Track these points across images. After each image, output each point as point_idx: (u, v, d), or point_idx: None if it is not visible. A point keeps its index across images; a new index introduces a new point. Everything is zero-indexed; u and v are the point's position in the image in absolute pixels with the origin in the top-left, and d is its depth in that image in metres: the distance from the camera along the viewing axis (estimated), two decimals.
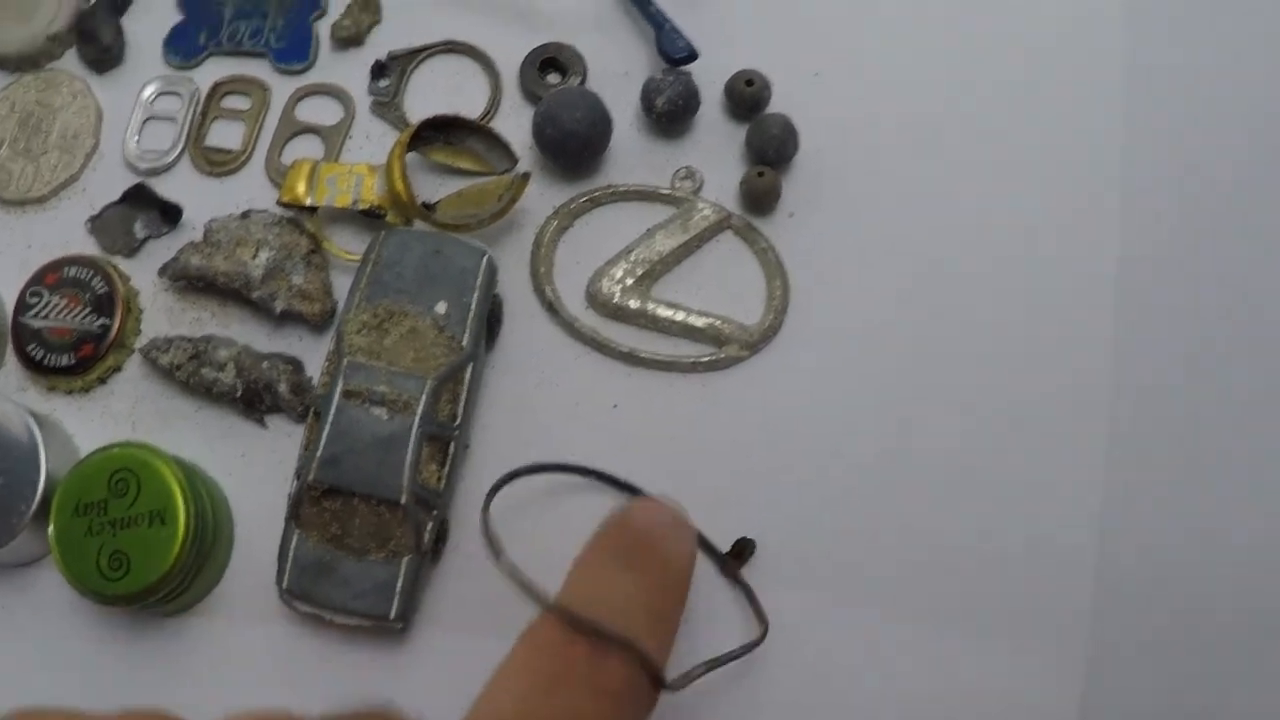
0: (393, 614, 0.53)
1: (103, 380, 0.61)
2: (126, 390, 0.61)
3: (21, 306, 0.61)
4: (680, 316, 0.61)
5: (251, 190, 0.64)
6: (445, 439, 0.55)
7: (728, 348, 0.60)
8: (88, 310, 0.61)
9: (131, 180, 0.65)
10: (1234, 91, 0.64)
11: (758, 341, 0.60)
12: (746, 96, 0.63)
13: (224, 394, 0.59)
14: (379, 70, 0.66)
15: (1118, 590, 0.55)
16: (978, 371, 0.59)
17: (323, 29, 0.67)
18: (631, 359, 0.60)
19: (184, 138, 0.65)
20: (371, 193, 0.61)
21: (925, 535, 0.57)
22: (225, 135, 0.66)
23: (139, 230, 0.63)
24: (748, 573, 0.56)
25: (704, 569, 0.56)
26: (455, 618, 0.56)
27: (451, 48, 0.67)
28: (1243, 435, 0.58)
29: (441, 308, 0.56)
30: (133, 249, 0.63)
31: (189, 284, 0.62)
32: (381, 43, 0.67)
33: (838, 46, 0.66)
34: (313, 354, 0.61)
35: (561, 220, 0.62)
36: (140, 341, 0.61)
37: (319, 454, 0.53)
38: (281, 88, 0.66)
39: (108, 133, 0.66)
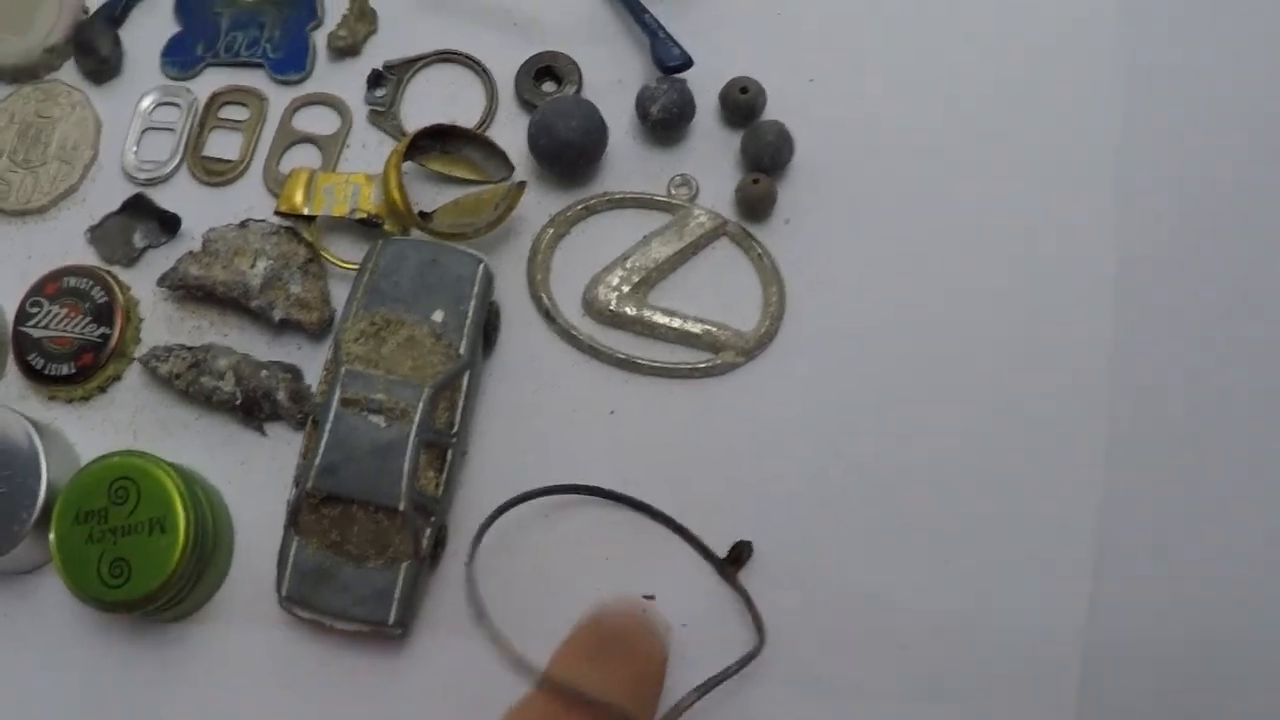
0: (391, 620, 0.54)
1: (103, 389, 0.61)
2: (126, 399, 0.62)
3: (22, 316, 0.61)
4: (676, 323, 0.61)
5: (249, 200, 0.65)
6: (443, 446, 0.56)
7: (724, 354, 0.60)
8: (88, 320, 0.61)
9: (130, 190, 0.65)
10: (1232, 91, 0.64)
11: (754, 348, 0.60)
12: (741, 104, 0.63)
13: (223, 402, 0.59)
14: (375, 80, 0.66)
15: (1116, 588, 0.56)
16: (975, 375, 0.60)
17: (319, 39, 0.68)
18: (628, 366, 0.60)
19: (182, 148, 0.66)
20: (368, 202, 0.61)
21: (922, 539, 0.57)
22: (223, 145, 0.66)
23: (138, 240, 0.64)
24: (745, 578, 0.56)
25: (701, 574, 0.56)
26: (454, 623, 0.56)
27: (447, 57, 0.67)
28: (1242, 435, 0.58)
29: (439, 316, 0.57)
30: (132, 259, 0.64)
31: (188, 293, 0.62)
32: (378, 53, 0.67)
33: (832, 53, 0.66)
34: (311, 362, 0.61)
35: (558, 228, 0.63)
36: (140, 350, 0.62)
37: (317, 461, 0.53)
38: (279, 98, 0.67)
39: (106, 143, 0.67)
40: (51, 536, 0.54)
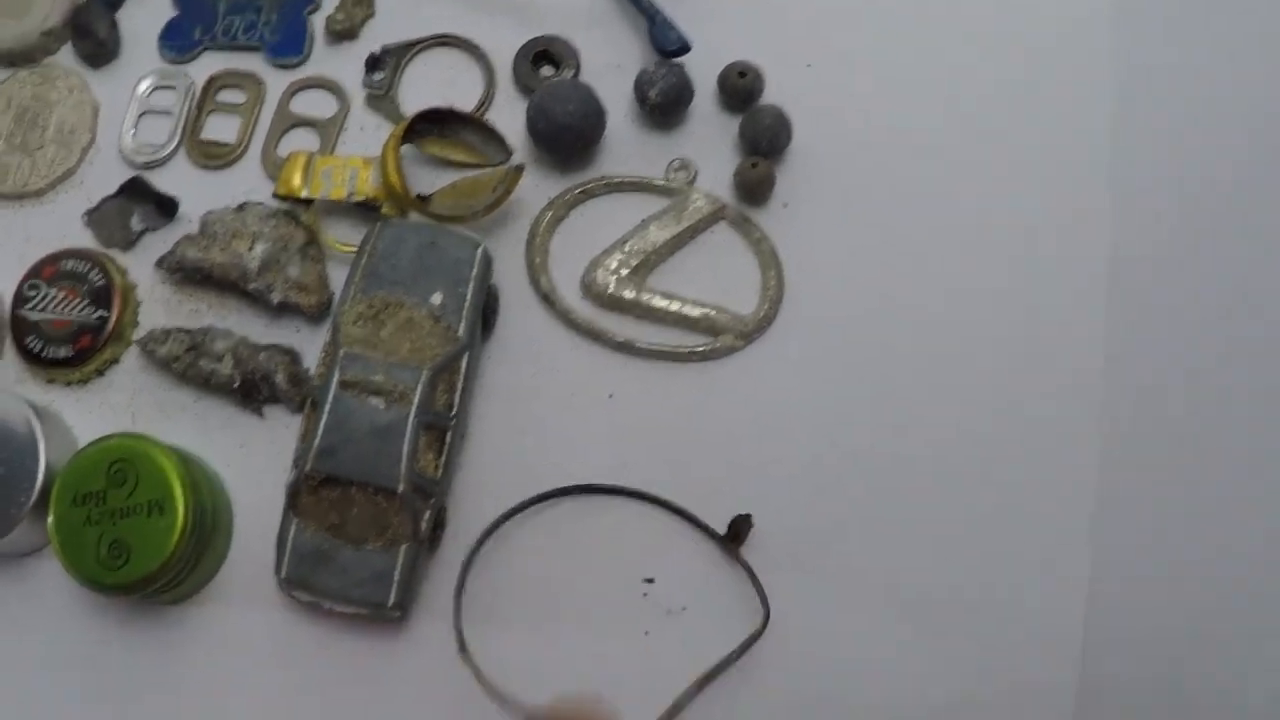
0: (390, 602, 0.54)
1: (101, 372, 0.61)
2: (125, 382, 0.62)
3: (20, 299, 0.61)
4: (675, 307, 0.61)
5: (247, 183, 0.65)
6: (442, 428, 0.56)
7: (722, 337, 0.60)
8: (85, 303, 0.61)
9: (128, 174, 0.65)
10: (1228, 91, 0.64)
11: (752, 331, 0.60)
12: (739, 88, 0.63)
13: (222, 385, 0.59)
14: (373, 63, 0.66)
15: (1111, 574, 0.56)
16: (971, 359, 0.60)
17: (317, 23, 0.68)
18: (627, 349, 0.60)
19: (180, 131, 0.66)
20: (367, 185, 0.61)
21: (919, 521, 0.57)
22: (221, 129, 0.66)
23: (136, 223, 0.64)
24: (745, 559, 0.56)
25: (701, 556, 0.57)
26: (452, 606, 0.56)
27: (445, 41, 0.67)
28: (1237, 433, 0.58)
29: (437, 299, 0.57)
30: (130, 242, 0.64)
31: (186, 276, 0.62)
32: (375, 36, 0.67)
33: (830, 38, 0.66)
34: (310, 345, 0.61)
35: (556, 211, 0.63)
36: (138, 333, 0.62)
37: (316, 444, 0.53)
38: (276, 81, 0.67)
39: (104, 127, 0.66)
40: (50, 519, 0.54)
